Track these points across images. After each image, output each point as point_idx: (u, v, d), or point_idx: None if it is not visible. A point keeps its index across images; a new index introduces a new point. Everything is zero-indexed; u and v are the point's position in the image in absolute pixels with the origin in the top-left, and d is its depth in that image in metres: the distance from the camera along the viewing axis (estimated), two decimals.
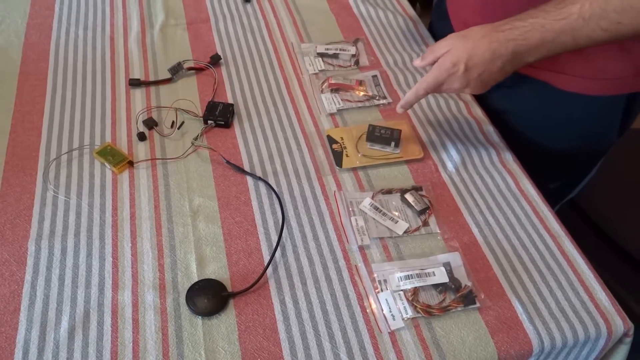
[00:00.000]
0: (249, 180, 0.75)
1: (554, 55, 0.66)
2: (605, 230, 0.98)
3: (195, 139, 0.79)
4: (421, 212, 0.72)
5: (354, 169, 0.77)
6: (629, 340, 0.65)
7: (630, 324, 0.63)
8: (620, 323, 0.63)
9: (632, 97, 0.79)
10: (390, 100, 0.87)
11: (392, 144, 0.78)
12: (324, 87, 0.88)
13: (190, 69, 0.91)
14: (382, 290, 0.64)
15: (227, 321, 0.61)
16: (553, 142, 0.86)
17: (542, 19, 0.64)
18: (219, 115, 0.81)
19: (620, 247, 0.96)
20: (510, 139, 0.83)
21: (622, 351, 0.66)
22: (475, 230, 0.71)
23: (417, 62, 0.75)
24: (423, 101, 0.87)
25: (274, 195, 0.73)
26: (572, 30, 0.63)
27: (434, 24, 1.01)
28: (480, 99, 0.89)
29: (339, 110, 0.85)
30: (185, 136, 0.81)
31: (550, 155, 0.86)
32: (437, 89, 0.72)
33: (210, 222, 0.70)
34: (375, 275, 0.65)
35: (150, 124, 0.81)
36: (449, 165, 0.78)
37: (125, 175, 0.75)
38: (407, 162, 0.79)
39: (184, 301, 0.63)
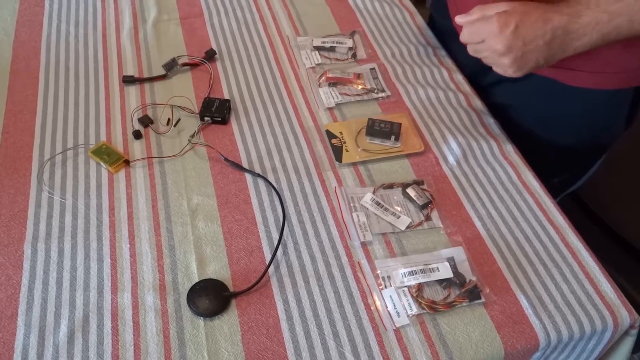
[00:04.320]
0: (248, 177, 0.74)
1: (603, 45, 0.64)
2: (607, 221, 0.98)
3: (192, 136, 0.78)
4: (423, 207, 0.71)
5: (354, 164, 0.76)
6: (634, 332, 0.64)
7: (636, 316, 0.63)
8: (626, 315, 0.62)
9: (639, 90, 0.78)
10: (389, 93, 0.86)
11: (392, 137, 0.77)
12: (321, 81, 0.87)
13: (184, 64, 0.89)
14: (386, 287, 0.63)
15: (229, 322, 0.60)
16: (558, 136, 0.85)
17: None
18: (216, 111, 0.80)
19: (623, 239, 0.96)
20: (515, 134, 0.82)
21: (628, 343, 0.66)
22: (478, 223, 0.70)
23: (460, 18, 0.68)
24: (422, 93, 0.86)
25: (274, 192, 0.72)
26: (629, 13, 0.61)
27: (435, 17, 1.00)
28: (484, 94, 0.88)
29: (338, 105, 0.84)
30: (182, 133, 0.79)
31: (555, 149, 0.85)
32: (475, 44, 0.67)
33: (209, 221, 0.69)
34: (378, 271, 0.64)
35: (146, 121, 0.80)
36: (450, 158, 0.77)
37: (122, 174, 0.74)
38: (408, 155, 0.78)
39: (185, 302, 0.61)
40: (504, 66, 0.68)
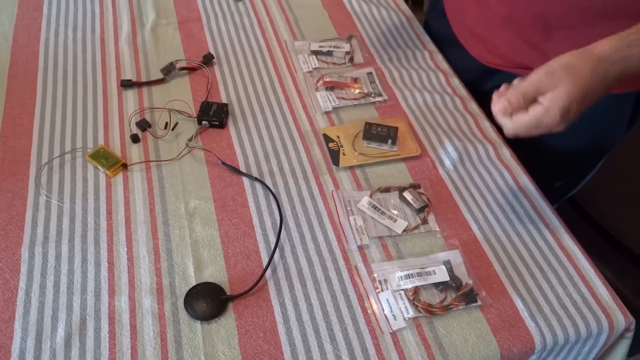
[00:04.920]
0: (245, 181, 0.74)
1: None
2: (604, 225, 0.98)
3: (190, 140, 0.78)
4: (420, 210, 0.71)
5: (351, 168, 0.77)
6: (630, 334, 0.65)
7: (632, 319, 0.63)
8: (621, 318, 0.63)
9: None
10: (385, 97, 0.86)
11: (389, 141, 0.78)
12: (318, 85, 0.88)
13: (182, 68, 0.89)
14: (382, 290, 0.63)
15: (226, 325, 0.61)
16: (559, 140, 0.84)
17: None
18: (213, 115, 0.80)
19: (619, 242, 0.96)
20: (515, 138, 0.81)
21: (624, 346, 0.66)
22: (474, 227, 0.70)
23: (513, 99, 0.60)
24: (419, 98, 0.86)
25: (271, 196, 0.72)
26: None
27: (431, 24, 1.00)
28: (484, 98, 0.87)
29: (335, 109, 0.85)
30: (180, 137, 0.79)
31: (556, 153, 0.85)
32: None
33: (206, 225, 0.69)
34: (375, 275, 0.65)
35: (144, 125, 0.80)
36: (447, 162, 0.78)
37: (119, 178, 0.74)
38: (405, 159, 0.78)
39: (182, 306, 0.62)
40: None
